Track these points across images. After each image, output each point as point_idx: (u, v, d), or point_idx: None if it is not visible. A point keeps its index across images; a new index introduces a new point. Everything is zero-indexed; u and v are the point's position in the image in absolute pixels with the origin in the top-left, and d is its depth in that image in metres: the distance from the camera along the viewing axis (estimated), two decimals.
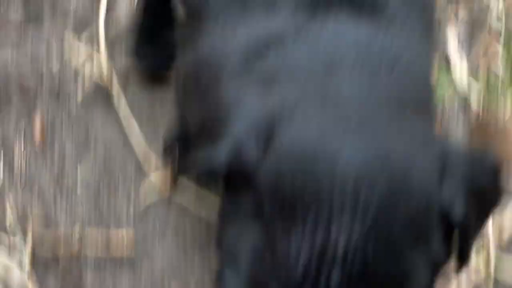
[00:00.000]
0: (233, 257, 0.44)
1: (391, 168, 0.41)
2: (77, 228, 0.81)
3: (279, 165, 0.42)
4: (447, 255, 0.45)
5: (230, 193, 0.46)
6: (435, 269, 0.44)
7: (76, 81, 0.88)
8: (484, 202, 0.47)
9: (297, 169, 0.41)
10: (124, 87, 0.87)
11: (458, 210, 0.43)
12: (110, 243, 0.80)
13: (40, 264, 0.81)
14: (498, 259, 0.79)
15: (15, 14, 0.92)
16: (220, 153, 0.44)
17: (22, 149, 0.86)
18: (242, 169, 0.43)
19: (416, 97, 0.50)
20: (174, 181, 0.69)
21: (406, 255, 0.41)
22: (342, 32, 0.49)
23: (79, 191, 0.84)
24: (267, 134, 0.43)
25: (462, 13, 0.93)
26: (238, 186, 0.44)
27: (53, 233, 0.81)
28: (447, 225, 0.43)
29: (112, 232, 0.81)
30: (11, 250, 0.81)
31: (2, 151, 0.86)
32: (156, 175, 0.83)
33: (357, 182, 0.39)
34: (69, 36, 0.89)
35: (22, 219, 0.83)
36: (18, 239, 0.82)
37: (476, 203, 0.44)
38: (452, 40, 0.90)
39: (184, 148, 0.58)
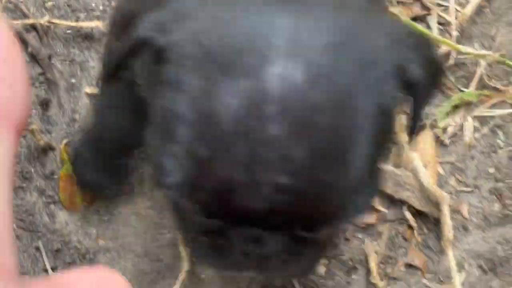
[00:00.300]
0: (169, 135, 0.43)
1: (329, 36, 0.42)
2: None
3: (195, 33, 0.43)
4: (394, 116, 0.47)
5: (150, 73, 0.48)
6: (387, 130, 0.46)
7: None
8: (433, 71, 0.49)
9: (230, 35, 0.42)
10: None
11: (415, 69, 0.44)
12: None
13: None
14: None
15: None
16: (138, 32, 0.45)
17: None
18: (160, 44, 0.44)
19: None
20: None
21: (355, 106, 0.41)
22: None
23: None
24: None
25: None
26: (155, 64, 0.45)
27: None
28: (403, 80, 0.45)
29: None
30: None
31: None
32: None
33: (286, 55, 0.39)
34: None
35: None
36: None
37: (428, 70, 0.46)
38: None
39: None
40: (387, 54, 0.44)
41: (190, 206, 0.45)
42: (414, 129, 0.50)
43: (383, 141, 0.46)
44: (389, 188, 0.74)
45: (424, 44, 0.50)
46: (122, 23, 0.57)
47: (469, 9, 0.80)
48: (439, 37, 0.79)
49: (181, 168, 0.43)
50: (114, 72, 0.50)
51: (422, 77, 0.45)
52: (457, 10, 0.82)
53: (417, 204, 0.74)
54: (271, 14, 0.43)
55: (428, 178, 0.73)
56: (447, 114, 0.77)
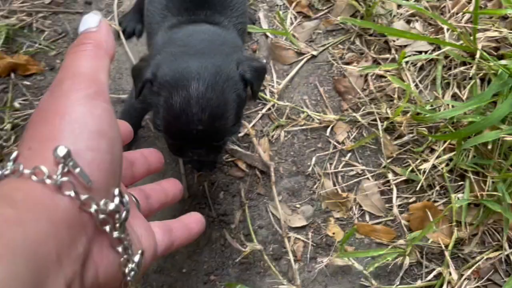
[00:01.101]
0: (157, 113, 0.91)
1: (212, 67, 0.89)
2: None
3: (165, 77, 0.88)
4: (246, 96, 0.94)
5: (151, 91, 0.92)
6: (241, 104, 0.93)
7: None
8: (259, 75, 0.97)
9: (175, 72, 0.88)
10: None
11: (249, 74, 0.92)
12: None
13: None
14: None
15: None
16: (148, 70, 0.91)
17: None
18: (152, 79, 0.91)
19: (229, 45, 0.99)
20: None
21: (226, 95, 0.88)
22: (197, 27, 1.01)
23: None
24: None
25: None
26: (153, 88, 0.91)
27: None
28: (245, 82, 0.92)
29: None
30: None
31: None
32: None
33: (197, 75, 0.87)
34: None
35: None
36: None
37: (256, 75, 0.94)
38: None
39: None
40: (236, 72, 0.92)
41: (167, 137, 0.95)
42: (254, 98, 1.00)
43: (241, 108, 0.94)
44: (248, 160, 1.32)
45: (254, 62, 0.97)
46: (137, 73, 0.97)
47: None
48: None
49: (162, 124, 0.91)
50: (139, 93, 0.94)
51: (252, 78, 0.93)
52: None
53: (261, 167, 1.31)
54: (190, 61, 0.89)
55: (265, 156, 1.30)
56: (273, 130, 1.35)
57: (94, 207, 0.51)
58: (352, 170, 1.31)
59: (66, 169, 0.49)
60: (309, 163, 1.32)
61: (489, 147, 1.18)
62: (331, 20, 1.43)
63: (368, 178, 1.29)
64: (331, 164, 1.31)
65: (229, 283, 1.22)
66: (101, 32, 0.59)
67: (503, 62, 1.21)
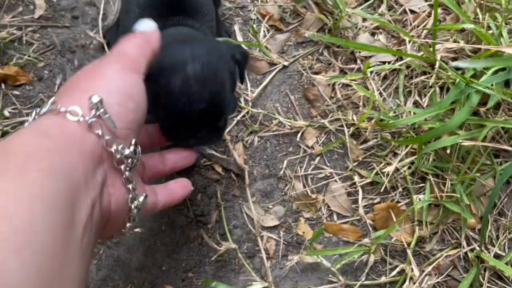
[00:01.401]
0: (154, 97, 0.72)
1: (203, 48, 0.80)
2: None
3: (159, 64, 0.74)
4: (236, 75, 0.86)
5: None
6: (234, 82, 0.85)
7: None
8: (245, 59, 0.89)
9: (169, 58, 0.77)
10: None
11: (238, 56, 0.85)
12: None
13: None
14: None
15: None
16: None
17: None
18: None
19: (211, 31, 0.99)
20: None
21: (221, 72, 0.79)
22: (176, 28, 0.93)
23: None
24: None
25: None
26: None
27: None
28: (236, 62, 0.84)
29: None
30: None
31: None
32: None
33: (191, 56, 0.76)
34: None
35: None
36: None
37: (242, 58, 0.87)
38: None
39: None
40: (227, 52, 0.83)
41: (169, 125, 0.83)
42: (242, 80, 0.90)
43: (234, 86, 0.86)
44: (224, 164, 1.23)
45: (239, 47, 0.91)
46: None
47: None
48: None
49: (163, 112, 0.80)
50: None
51: (241, 59, 0.86)
52: None
53: (236, 170, 1.22)
54: (181, 46, 0.80)
55: (240, 160, 1.24)
56: (247, 135, 1.28)
57: (114, 148, 0.57)
58: (321, 173, 1.24)
59: (97, 113, 0.55)
60: (281, 166, 1.25)
61: (448, 151, 1.11)
62: (301, 32, 1.35)
63: (336, 181, 1.22)
64: (301, 167, 1.24)
65: (205, 280, 1.16)
66: (154, 34, 0.70)
67: (460, 71, 1.14)
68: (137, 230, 0.67)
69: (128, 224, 0.63)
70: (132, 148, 0.60)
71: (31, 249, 0.40)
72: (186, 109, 0.79)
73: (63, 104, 0.55)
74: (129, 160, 0.60)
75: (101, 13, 1.42)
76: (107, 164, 0.57)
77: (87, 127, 0.55)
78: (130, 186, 0.61)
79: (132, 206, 0.62)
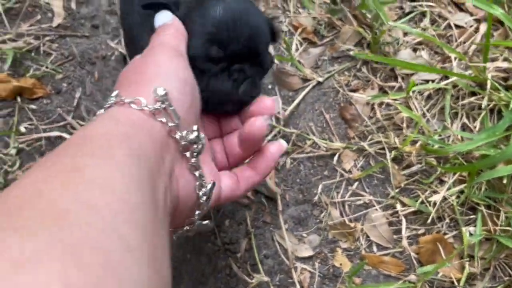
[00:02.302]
0: (193, 34, 0.72)
1: (250, 12, 0.74)
2: None
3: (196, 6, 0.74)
4: (271, 37, 0.80)
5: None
6: (270, 31, 0.79)
7: None
8: (277, 30, 0.83)
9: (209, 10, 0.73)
10: None
11: (275, 26, 0.80)
12: None
13: None
14: None
15: None
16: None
17: None
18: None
19: None
20: None
21: (260, 18, 0.75)
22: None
23: None
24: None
25: None
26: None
27: None
28: (271, 30, 0.79)
29: None
30: None
31: None
32: None
33: (237, 8, 0.72)
34: None
35: None
36: None
37: (275, 29, 0.81)
38: None
39: None
40: (266, 24, 0.78)
41: (207, 59, 0.72)
42: (277, 37, 0.84)
43: (269, 36, 0.80)
44: (255, 188, 1.15)
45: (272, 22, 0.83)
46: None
47: None
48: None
49: (202, 42, 0.72)
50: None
51: (275, 30, 0.82)
52: None
53: (267, 193, 1.14)
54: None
55: (271, 183, 1.14)
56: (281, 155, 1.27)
57: (178, 134, 0.58)
58: (359, 199, 1.13)
59: (163, 106, 0.56)
60: (315, 191, 1.14)
61: (504, 181, 0.99)
62: (337, 46, 1.24)
63: (376, 209, 1.10)
64: (338, 193, 1.14)
65: None
66: (175, 22, 0.70)
67: None
68: (206, 222, 0.67)
69: (196, 212, 0.63)
70: (195, 134, 0.60)
71: (138, 226, 0.40)
72: (231, 34, 0.72)
73: (127, 95, 0.56)
74: (194, 146, 0.60)
75: None
76: (173, 151, 0.58)
77: (152, 115, 0.55)
78: (197, 173, 0.61)
79: (200, 193, 0.61)
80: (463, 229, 1.04)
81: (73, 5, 1.34)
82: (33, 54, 1.27)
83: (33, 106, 1.22)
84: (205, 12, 0.73)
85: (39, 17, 1.31)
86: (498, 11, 1.04)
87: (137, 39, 0.91)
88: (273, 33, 0.82)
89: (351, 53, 1.24)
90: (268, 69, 0.81)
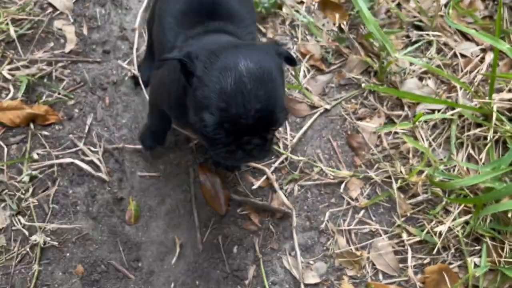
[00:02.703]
0: (205, 106, 0.75)
1: (253, 48, 0.77)
2: None
3: (206, 65, 0.74)
4: (289, 62, 0.82)
5: (185, 76, 0.78)
6: (284, 86, 0.80)
7: None
8: (291, 61, 0.84)
9: (220, 55, 0.75)
10: None
11: (282, 51, 0.81)
12: None
13: None
14: None
15: None
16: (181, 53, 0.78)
17: None
18: (190, 64, 0.77)
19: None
20: None
21: (274, 72, 0.75)
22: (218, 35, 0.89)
23: None
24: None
25: None
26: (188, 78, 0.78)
27: None
28: (282, 57, 0.80)
29: None
30: None
31: None
32: None
33: (243, 54, 0.74)
34: None
35: None
36: None
37: (290, 56, 0.82)
38: None
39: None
40: (272, 50, 0.79)
41: (219, 133, 0.76)
42: (294, 62, 0.85)
43: (283, 84, 0.80)
44: (266, 208, 1.16)
45: (281, 48, 0.85)
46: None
47: None
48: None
49: (215, 115, 0.74)
50: (164, 60, 0.89)
51: (285, 53, 0.82)
52: None
53: (281, 210, 1.16)
54: (229, 49, 0.76)
55: (286, 200, 1.15)
56: (287, 183, 1.18)
57: None
58: (365, 227, 1.14)
59: None
60: (322, 219, 1.16)
61: (509, 215, 1.00)
62: (344, 74, 1.26)
63: (382, 237, 1.11)
64: (344, 220, 1.16)
65: None
66: None
67: None
68: None
69: None
70: None
71: None
72: (241, 111, 0.73)
73: None
74: None
75: (135, 46, 1.32)
76: None
77: None
78: None
79: None
80: (468, 259, 1.06)
81: (85, 31, 1.35)
82: (45, 80, 1.29)
83: (45, 133, 1.23)
84: (217, 79, 0.74)
85: (52, 44, 1.33)
86: (504, 46, 1.05)
87: (167, 40, 0.97)
88: (289, 59, 0.84)
89: (363, 85, 1.25)
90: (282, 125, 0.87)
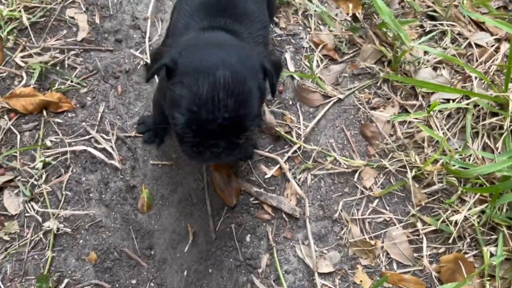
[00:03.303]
0: (176, 103, 0.76)
1: (235, 55, 0.77)
2: None
3: (188, 64, 0.76)
4: (265, 90, 0.81)
5: (169, 79, 0.80)
6: (262, 96, 0.81)
7: None
8: (276, 69, 0.85)
9: (200, 59, 0.77)
10: None
11: (268, 66, 0.81)
12: None
13: None
14: None
15: None
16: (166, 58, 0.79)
17: None
18: (173, 65, 0.78)
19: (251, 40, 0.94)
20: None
21: (249, 83, 0.76)
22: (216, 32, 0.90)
23: None
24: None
25: None
26: (171, 74, 0.79)
27: None
28: (264, 73, 0.81)
29: None
30: None
31: None
32: None
33: (222, 62, 0.75)
34: None
35: None
36: None
37: (274, 68, 0.83)
38: None
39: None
40: (257, 62, 0.80)
41: (187, 132, 0.78)
42: (273, 94, 0.87)
43: (261, 101, 0.81)
44: (274, 203, 1.15)
45: (271, 56, 0.86)
46: (155, 56, 0.86)
47: None
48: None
49: (184, 116, 0.76)
50: (151, 75, 0.86)
51: (271, 69, 0.82)
52: None
53: (287, 210, 1.14)
54: (214, 50, 0.78)
55: (299, 190, 1.14)
56: (300, 173, 1.18)
57: None
58: (380, 217, 1.13)
59: None
60: (336, 208, 1.14)
61: None
62: (357, 63, 1.24)
63: (396, 227, 1.10)
64: (358, 210, 1.14)
65: None
66: None
67: None
68: None
69: None
70: None
71: None
72: (210, 117, 0.75)
73: None
74: None
75: (147, 35, 1.31)
76: None
77: None
78: None
79: None
80: (484, 249, 1.04)
81: (97, 20, 1.34)
82: (58, 68, 1.28)
83: (58, 120, 1.22)
84: (194, 81, 0.75)
85: (65, 31, 1.32)
86: None
87: (178, 26, 0.98)
88: (276, 68, 0.86)
89: (381, 74, 1.24)
90: (254, 131, 0.87)
